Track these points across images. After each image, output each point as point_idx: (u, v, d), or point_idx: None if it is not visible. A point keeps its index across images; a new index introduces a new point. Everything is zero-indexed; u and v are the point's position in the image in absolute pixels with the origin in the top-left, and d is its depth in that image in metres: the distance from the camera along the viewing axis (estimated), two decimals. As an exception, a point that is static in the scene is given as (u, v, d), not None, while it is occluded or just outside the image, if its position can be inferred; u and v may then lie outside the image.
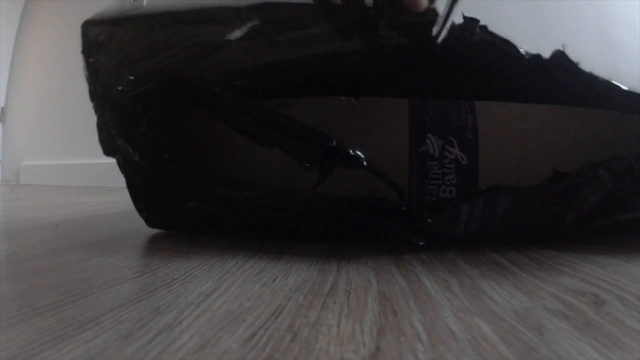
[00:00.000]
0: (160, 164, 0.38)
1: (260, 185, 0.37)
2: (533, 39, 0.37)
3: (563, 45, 0.38)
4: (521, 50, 0.35)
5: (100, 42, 0.40)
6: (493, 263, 0.30)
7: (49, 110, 2.06)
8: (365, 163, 0.34)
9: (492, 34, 0.35)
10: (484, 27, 0.35)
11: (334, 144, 0.34)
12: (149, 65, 0.37)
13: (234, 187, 0.37)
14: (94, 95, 0.41)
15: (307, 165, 0.34)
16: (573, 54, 0.36)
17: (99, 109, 0.41)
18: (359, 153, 0.34)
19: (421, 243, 0.34)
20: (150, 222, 0.43)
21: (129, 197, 0.42)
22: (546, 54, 0.37)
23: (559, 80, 0.37)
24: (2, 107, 2.38)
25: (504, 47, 0.35)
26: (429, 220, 0.34)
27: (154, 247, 0.37)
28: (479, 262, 0.30)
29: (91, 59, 0.40)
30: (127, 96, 0.37)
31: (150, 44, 0.38)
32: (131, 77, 0.37)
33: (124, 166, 0.41)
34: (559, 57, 0.36)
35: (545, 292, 0.23)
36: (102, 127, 0.41)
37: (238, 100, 0.35)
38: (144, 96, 0.37)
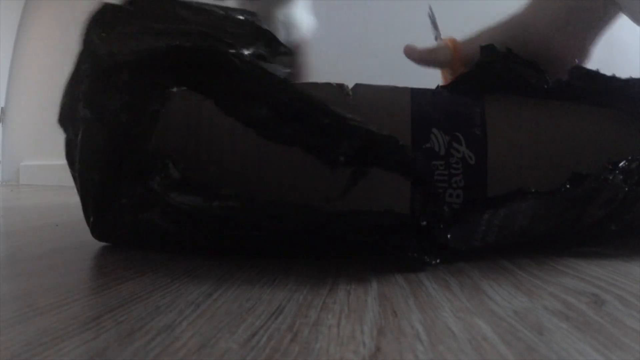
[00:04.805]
0: (126, 155, 0.31)
1: (234, 194, 0.30)
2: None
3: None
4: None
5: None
6: (493, 263, 0.30)
7: (49, 110, 2.06)
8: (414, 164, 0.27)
9: None
10: None
11: (375, 129, 0.26)
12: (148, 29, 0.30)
13: (201, 194, 0.30)
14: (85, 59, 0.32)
15: (341, 160, 0.26)
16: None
17: (77, 73, 0.33)
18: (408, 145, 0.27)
19: (436, 261, 0.29)
20: (95, 231, 0.35)
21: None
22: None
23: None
24: (2, 107, 2.38)
25: None
26: (448, 236, 0.29)
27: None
28: (479, 262, 0.30)
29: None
30: (114, 60, 0.30)
31: None
32: (127, 39, 0.30)
33: (81, 148, 0.32)
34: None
35: (545, 292, 0.23)
36: (68, 92, 0.34)
37: (258, 76, 0.28)
38: (135, 64, 0.30)
